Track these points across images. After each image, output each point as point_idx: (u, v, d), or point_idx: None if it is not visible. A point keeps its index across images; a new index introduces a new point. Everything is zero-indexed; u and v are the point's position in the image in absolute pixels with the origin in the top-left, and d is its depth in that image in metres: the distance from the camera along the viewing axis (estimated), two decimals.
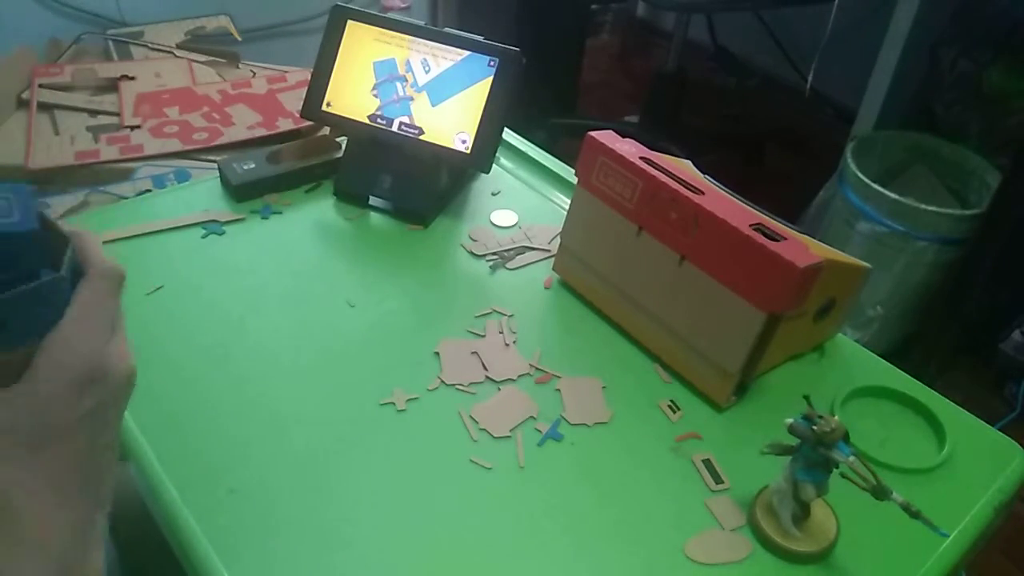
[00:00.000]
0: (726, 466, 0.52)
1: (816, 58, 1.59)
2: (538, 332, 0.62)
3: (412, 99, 0.73)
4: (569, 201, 0.64)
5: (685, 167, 0.62)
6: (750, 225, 0.51)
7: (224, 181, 0.76)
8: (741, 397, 0.57)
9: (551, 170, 0.82)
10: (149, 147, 1.23)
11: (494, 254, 0.70)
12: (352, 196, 0.76)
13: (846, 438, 0.44)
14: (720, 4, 2.07)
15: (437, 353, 0.60)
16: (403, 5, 1.92)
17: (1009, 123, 1.48)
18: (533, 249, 0.71)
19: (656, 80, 2.24)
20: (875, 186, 1.39)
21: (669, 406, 0.57)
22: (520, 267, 0.69)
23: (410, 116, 0.73)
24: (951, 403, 0.58)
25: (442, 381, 0.57)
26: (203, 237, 0.70)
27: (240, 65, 1.51)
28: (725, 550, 0.47)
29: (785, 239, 0.50)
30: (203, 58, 1.50)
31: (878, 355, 0.63)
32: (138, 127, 1.27)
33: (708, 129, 2.30)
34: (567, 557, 0.47)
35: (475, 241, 0.72)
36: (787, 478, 0.46)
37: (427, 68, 0.72)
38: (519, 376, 0.58)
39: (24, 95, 1.33)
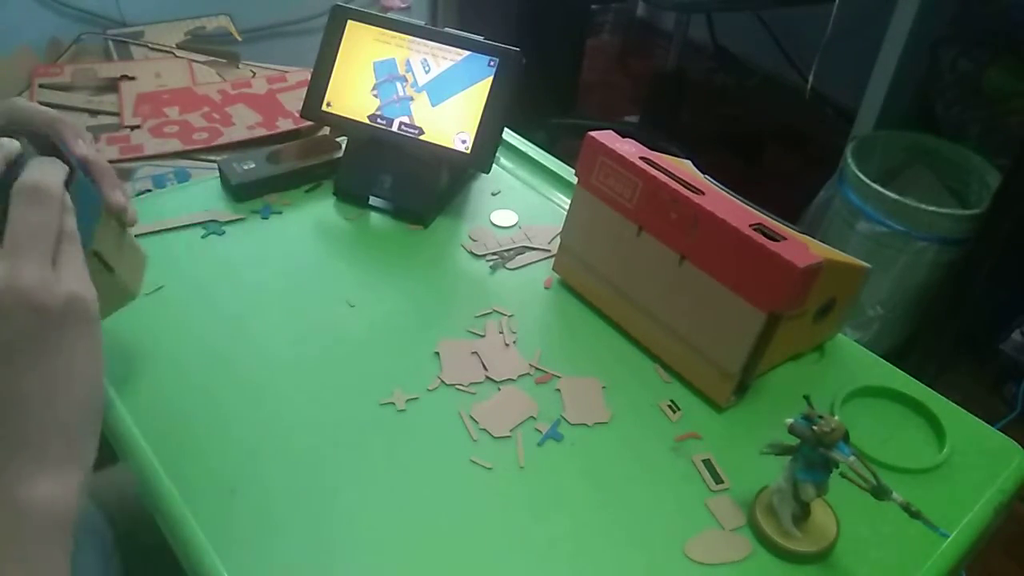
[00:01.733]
0: (726, 466, 0.52)
1: (816, 58, 1.59)
2: (538, 332, 0.62)
3: (412, 99, 0.73)
4: (569, 201, 0.64)
5: (685, 167, 0.62)
6: (750, 225, 0.51)
7: (224, 181, 0.76)
8: (741, 397, 0.57)
9: (551, 170, 0.82)
10: (149, 147, 1.23)
11: (494, 254, 0.70)
12: (352, 196, 0.76)
13: (846, 438, 0.44)
14: (720, 4, 2.07)
15: (437, 353, 0.60)
16: (403, 5, 1.92)
17: (1009, 123, 1.48)
18: (533, 249, 0.71)
19: (656, 80, 2.24)
20: (875, 186, 1.39)
21: (669, 406, 0.57)
22: (520, 267, 0.69)
23: (410, 116, 0.73)
24: (951, 403, 0.58)
25: (442, 381, 0.57)
26: (203, 237, 0.70)
27: (240, 65, 1.51)
28: (725, 550, 0.47)
29: (785, 239, 0.50)
30: (203, 58, 1.50)
31: (878, 355, 0.63)
32: (138, 127, 1.27)
33: (708, 129, 2.30)
34: (567, 557, 0.47)
35: (475, 241, 0.72)
36: (787, 478, 0.46)
37: (427, 68, 0.72)
38: (519, 376, 0.58)
39: (24, 95, 1.33)
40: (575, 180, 0.62)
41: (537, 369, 0.59)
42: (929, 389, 0.59)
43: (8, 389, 0.34)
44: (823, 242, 0.56)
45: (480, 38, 0.71)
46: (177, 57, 1.50)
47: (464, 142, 0.71)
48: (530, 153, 0.84)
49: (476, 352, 0.60)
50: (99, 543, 0.66)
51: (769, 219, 0.52)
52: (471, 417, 0.55)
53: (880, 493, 0.43)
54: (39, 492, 0.33)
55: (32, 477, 0.34)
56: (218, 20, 1.65)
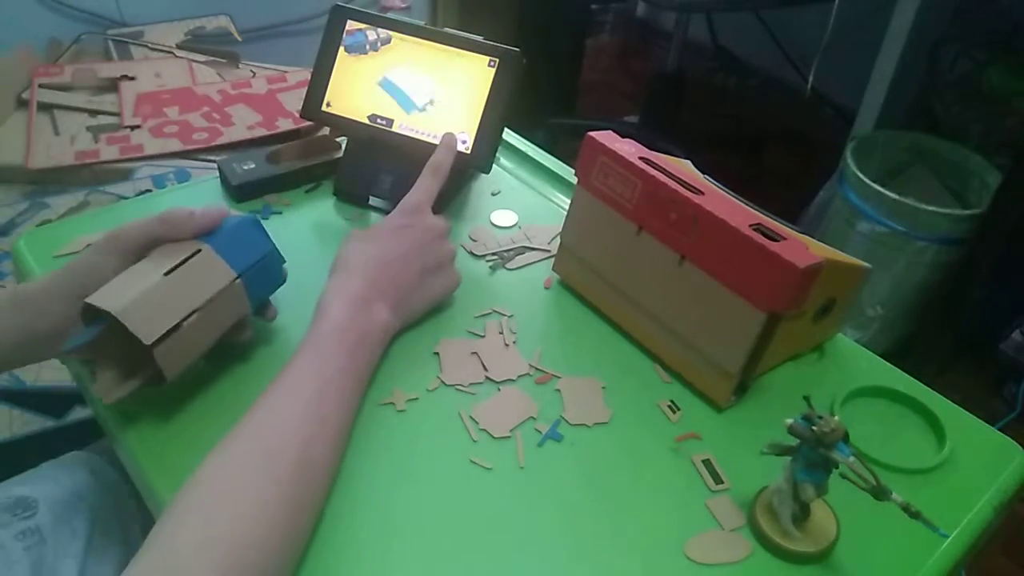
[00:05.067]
0: (726, 466, 0.52)
1: (816, 58, 1.59)
2: (538, 332, 0.62)
3: (412, 99, 0.73)
4: (569, 201, 0.64)
5: (685, 167, 0.62)
6: (750, 225, 0.51)
7: (224, 181, 0.76)
8: (741, 397, 0.57)
9: (551, 170, 0.82)
10: (149, 147, 1.23)
11: (494, 254, 0.70)
12: (352, 196, 0.76)
13: (846, 438, 0.44)
14: (720, 4, 2.07)
15: (437, 353, 0.60)
16: (403, 5, 1.92)
17: (1009, 123, 1.48)
18: (533, 249, 0.71)
19: (656, 80, 2.24)
20: (875, 186, 1.39)
21: (669, 406, 0.57)
22: (520, 267, 0.69)
23: (410, 116, 0.73)
24: (951, 403, 0.58)
25: (442, 381, 0.57)
26: None
27: (240, 65, 1.51)
28: (725, 550, 0.47)
29: (785, 239, 0.50)
30: (203, 58, 1.50)
31: (878, 355, 0.63)
32: (138, 127, 1.28)
33: (708, 129, 2.30)
34: (567, 557, 0.47)
35: (475, 241, 0.72)
36: (787, 478, 0.46)
37: (427, 68, 0.72)
38: (519, 376, 0.58)
39: (24, 95, 1.33)
40: (575, 180, 0.62)
41: (537, 369, 0.59)
42: (929, 389, 0.59)
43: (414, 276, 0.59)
44: (823, 242, 0.56)
45: (480, 38, 0.71)
46: (177, 57, 1.50)
47: (464, 142, 0.71)
48: (530, 153, 0.84)
49: (476, 352, 0.60)
50: (122, 523, 0.65)
51: (769, 219, 0.52)
52: (471, 417, 0.55)
53: (880, 493, 0.43)
54: (383, 315, 0.56)
55: (383, 308, 0.56)
56: (218, 20, 1.65)
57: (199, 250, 0.51)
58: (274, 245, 0.58)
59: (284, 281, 0.59)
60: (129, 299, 0.47)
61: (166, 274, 0.50)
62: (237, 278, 0.52)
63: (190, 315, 0.49)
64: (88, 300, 0.47)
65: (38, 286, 0.53)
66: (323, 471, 0.47)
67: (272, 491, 0.43)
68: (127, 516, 0.65)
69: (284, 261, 0.59)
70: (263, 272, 0.55)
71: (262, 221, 0.72)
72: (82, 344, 0.48)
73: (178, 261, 0.50)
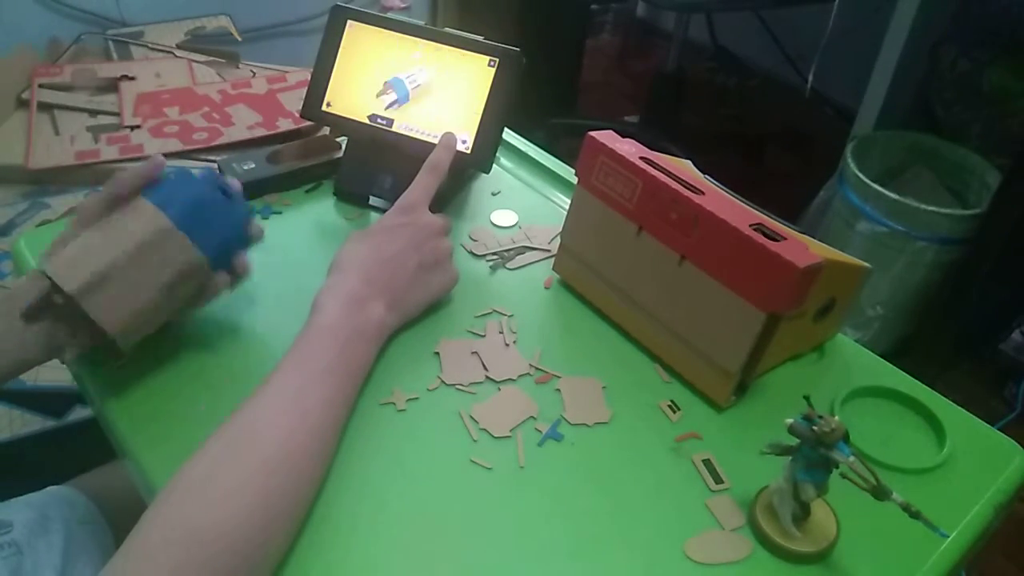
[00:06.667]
0: (726, 466, 0.52)
1: (816, 58, 1.59)
2: (538, 332, 0.62)
3: (412, 99, 0.73)
4: (569, 201, 0.64)
5: (685, 167, 0.62)
6: (750, 225, 0.51)
7: None
8: (741, 397, 0.57)
9: (551, 170, 0.82)
10: (149, 147, 1.23)
11: (494, 254, 0.70)
12: (352, 196, 0.76)
13: (846, 438, 0.44)
14: (720, 4, 2.07)
15: (437, 353, 0.60)
16: (403, 5, 1.92)
17: (1009, 123, 1.48)
18: (533, 249, 0.71)
19: (656, 80, 2.24)
20: (875, 186, 1.39)
21: (669, 406, 0.57)
22: (520, 267, 0.69)
23: (410, 116, 0.73)
24: (951, 403, 0.58)
25: (442, 381, 0.57)
26: None
27: (240, 65, 1.51)
28: (725, 550, 0.47)
29: (785, 239, 0.50)
30: (203, 58, 1.50)
31: (878, 355, 0.63)
32: (138, 127, 1.27)
33: (708, 129, 2.30)
34: (567, 557, 0.47)
35: (475, 241, 0.72)
36: (787, 478, 0.46)
37: (427, 68, 0.72)
38: (519, 376, 0.58)
39: (24, 95, 1.33)
40: (575, 180, 0.62)
41: (537, 369, 0.59)
42: (929, 389, 0.59)
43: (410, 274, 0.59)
44: (823, 242, 0.56)
45: (480, 38, 0.71)
46: (177, 57, 1.50)
47: (464, 142, 0.71)
48: (530, 153, 0.84)
49: (476, 352, 0.60)
50: (99, 543, 0.66)
51: (769, 219, 0.52)
52: (471, 417, 0.55)
53: (880, 493, 0.43)
54: (378, 312, 0.56)
55: (379, 306, 0.56)
56: (218, 20, 1.64)
57: (129, 202, 0.52)
58: (227, 189, 0.57)
59: (257, 236, 0.59)
60: (60, 255, 0.49)
61: (95, 227, 0.51)
62: (169, 221, 0.52)
63: (118, 261, 0.50)
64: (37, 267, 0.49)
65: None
66: (305, 463, 0.47)
67: (246, 480, 0.43)
68: (104, 539, 0.65)
69: (252, 213, 0.59)
70: (204, 215, 0.54)
71: (262, 221, 0.72)
72: (30, 304, 0.49)
73: (110, 214, 0.52)
